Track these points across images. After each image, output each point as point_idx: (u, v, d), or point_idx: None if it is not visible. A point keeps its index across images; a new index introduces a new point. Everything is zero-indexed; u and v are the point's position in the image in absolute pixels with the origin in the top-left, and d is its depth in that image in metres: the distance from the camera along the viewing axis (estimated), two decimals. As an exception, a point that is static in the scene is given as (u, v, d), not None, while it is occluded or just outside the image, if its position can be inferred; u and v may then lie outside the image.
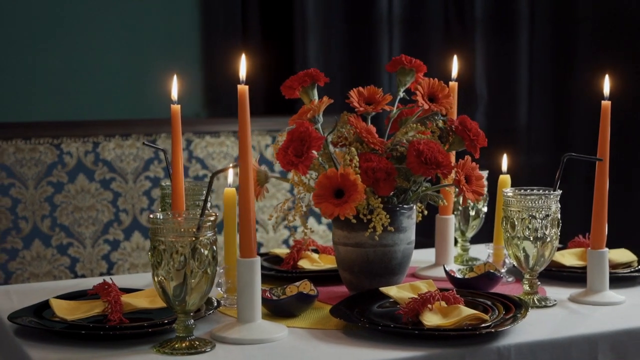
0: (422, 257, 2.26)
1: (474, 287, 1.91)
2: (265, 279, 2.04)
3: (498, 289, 1.95)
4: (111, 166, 2.91)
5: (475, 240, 2.35)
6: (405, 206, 1.87)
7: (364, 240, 1.83)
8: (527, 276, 1.86)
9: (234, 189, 1.85)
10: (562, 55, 3.94)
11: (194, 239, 1.53)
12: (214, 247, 1.56)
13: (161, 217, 1.55)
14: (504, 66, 3.99)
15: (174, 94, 1.85)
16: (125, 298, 1.73)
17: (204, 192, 2.00)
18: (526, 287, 1.86)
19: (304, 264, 2.11)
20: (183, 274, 1.53)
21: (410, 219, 1.87)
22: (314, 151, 1.75)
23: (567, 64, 3.93)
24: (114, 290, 1.71)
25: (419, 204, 1.94)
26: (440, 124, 1.91)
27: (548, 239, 1.82)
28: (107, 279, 1.77)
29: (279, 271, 2.10)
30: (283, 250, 2.20)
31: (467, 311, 1.65)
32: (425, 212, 1.99)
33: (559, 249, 2.21)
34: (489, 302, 1.78)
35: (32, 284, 2.13)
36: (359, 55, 3.76)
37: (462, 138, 1.88)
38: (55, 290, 1.91)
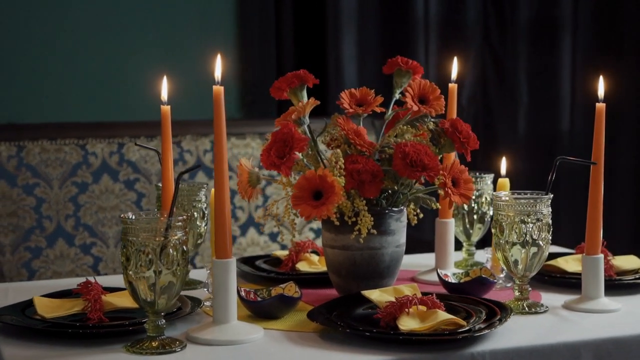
0: (425, 261, 2.23)
1: (466, 292, 1.88)
2: (264, 281, 2.04)
3: (494, 294, 1.92)
4: (135, 167, 2.94)
5: (484, 244, 2.31)
6: (394, 209, 1.85)
7: (351, 243, 1.81)
8: (517, 282, 1.82)
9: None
10: (605, 59, 3.86)
11: (162, 239, 1.53)
12: (184, 247, 1.56)
13: (132, 217, 1.55)
14: (546, 70, 3.92)
15: (164, 94, 1.86)
16: (107, 297, 1.74)
17: (199, 193, 2.01)
18: (516, 293, 1.82)
19: (302, 266, 2.10)
20: (152, 274, 1.53)
21: (399, 222, 1.85)
22: (297, 152, 1.74)
23: (609, 68, 3.86)
24: (95, 290, 1.72)
25: (412, 207, 1.92)
26: (431, 125, 1.89)
27: (538, 244, 1.78)
28: (91, 278, 1.78)
29: (278, 273, 2.09)
30: (284, 252, 2.19)
31: (444, 316, 1.62)
32: (421, 215, 1.96)
33: (566, 255, 2.17)
34: (474, 307, 1.75)
35: (34, 281, 2.17)
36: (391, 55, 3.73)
37: (452, 140, 1.85)
38: (55, 288, 1.93)
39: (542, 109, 3.95)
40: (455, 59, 2.12)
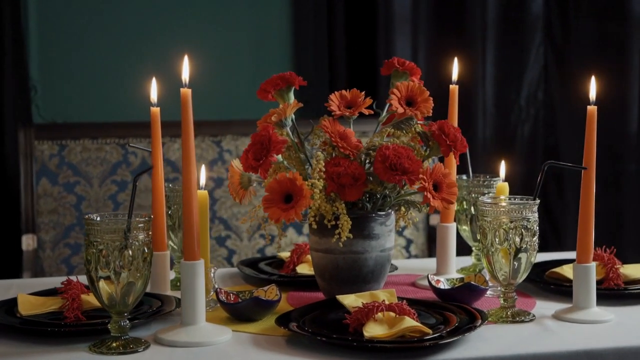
0: (431, 265, 2.19)
1: (455, 298, 1.84)
2: (266, 283, 2.04)
3: (492, 302, 1.87)
4: (174, 166, 2.97)
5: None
6: (380, 213, 1.82)
7: (333, 247, 1.79)
8: (502, 289, 1.78)
9: (205, 191, 1.85)
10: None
11: (123, 240, 1.55)
12: (146, 248, 1.58)
13: (96, 218, 1.58)
14: (613, 70, 3.80)
15: (153, 96, 1.88)
16: (87, 296, 1.77)
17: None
18: (501, 301, 1.78)
19: (302, 268, 2.10)
20: (112, 275, 1.55)
21: (384, 226, 1.83)
22: (274, 155, 1.74)
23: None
24: (74, 288, 1.75)
25: (402, 210, 1.89)
26: (419, 128, 1.85)
27: (523, 251, 1.73)
28: (74, 277, 1.82)
29: (280, 276, 2.09)
30: (288, 254, 2.19)
31: (409, 323, 1.59)
32: (416, 219, 1.93)
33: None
34: (456, 315, 1.71)
35: (41, 279, 2.22)
36: (447, 57, 3.67)
37: (438, 144, 1.82)
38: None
39: (609, 110, 3.83)
40: (455, 60, 2.07)
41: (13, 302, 1.79)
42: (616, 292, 1.91)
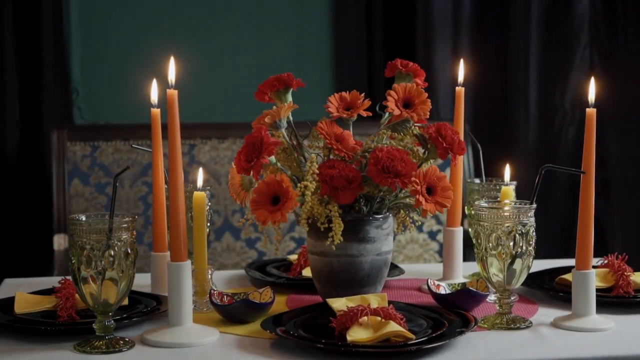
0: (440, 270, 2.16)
1: (454, 304, 1.81)
2: (272, 286, 2.02)
3: (494, 308, 1.83)
4: (205, 168, 2.99)
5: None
6: (377, 216, 1.80)
7: (328, 250, 1.78)
8: (498, 295, 1.74)
9: (203, 192, 1.86)
10: None
11: (106, 240, 1.56)
12: (129, 249, 1.58)
13: (82, 218, 1.59)
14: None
15: (154, 97, 1.89)
16: (81, 296, 1.78)
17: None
18: (497, 307, 1.74)
19: (308, 272, 2.08)
20: (96, 275, 1.56)
21: (381, 230, 1.80)
22: (266, 156, 1.73)
23: None
24: (68, 288, 1.77)
25: (401, 214, 1.86)
26: (417, 130, 1.83)
27: (518, 256, 1.69)
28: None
29: (288, 279, 2.08)
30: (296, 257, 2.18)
31: (393, 327, 1.57)
32: (418, 223, 1.91)
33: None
34: (449, 319, 1.69)
35: (51, 277, 2.24)
36: (489, 59, 3.63)
37: (435, 146, 1.79)
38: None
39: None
40: (461, 61, 2.04)
41: (11, 300, 1.81)
42: (619, 300, 1.85)
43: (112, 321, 1.61)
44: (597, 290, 1.91)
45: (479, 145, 2.13)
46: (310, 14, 3.67)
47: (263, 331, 1.65)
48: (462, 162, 3.16)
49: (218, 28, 3.59)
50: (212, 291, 1.78)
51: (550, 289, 1.92)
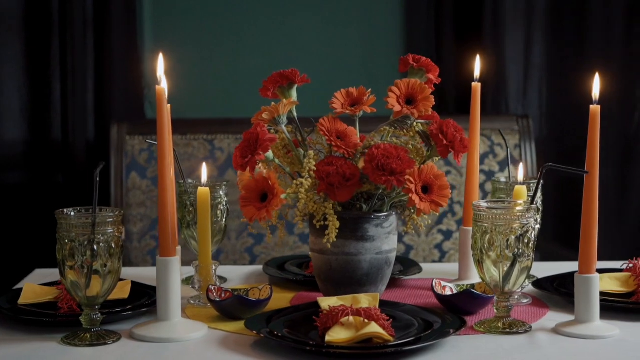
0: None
1: (456, 305, 1.76)
2: (290, 283, 2.02)
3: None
4: None
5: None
6: (378, 214, 1.77)
7: (326, 247, 1.76)
8: (496, 298, 1.68)
9: (207, 188, 1.86)
10: None
11: (89, 234, 1.58)
12: (113, 244, 1.60)
13: (70, 212, 1.61)
14: None
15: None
16: (85, 288, 1.81)
17: (220, 190, 2.02)
18: (495, 310, 1.69)
19: (326, 268, 2.06)
20: (80, 268, 1.58)
21: (381, 228, 1.77)
22: (262, 153, 1.72)
23: None
24: (70, 280, 1.80)
25: (407, 212, 1.83)
26: (420, 127, 1.79)
27: (518, 258, 1.63)
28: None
29: (305, 276, 2.06)
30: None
31: (372, 329, 1.54)
32: (428, 221, 1.86)
33: (612, 271, 1.96)
34: (438, 322, 1.65)
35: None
36: (567, 56, 3.52)
37: (435, 143, 1.75)
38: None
39: None
40: (477, 57, 1.98)
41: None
42: (622, 306, 1.77)
43: (99, 314, 1.63)
44: (616, 295, 1.84)
45: (507, 143, 2.07)
46: (380, 11, 3.65)
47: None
48: (526, 155, 3.11)
49: (286, 23, 3.60)
50: (211, 287, 1.78)
51: (567, 294, 1.85)
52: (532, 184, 2.00)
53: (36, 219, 3.32)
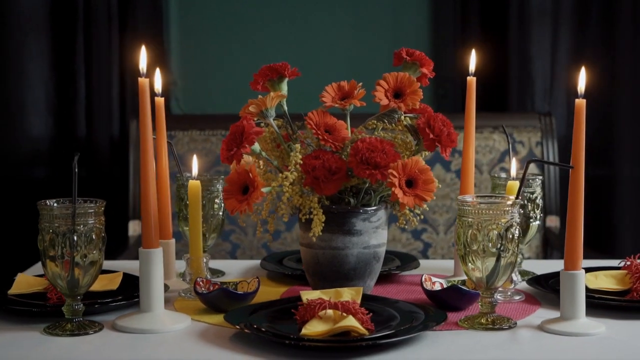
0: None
1: (444, 301, 1.75)
2: (287, 278, 2.01)
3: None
4: None
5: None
6: (367, 208, 1.76)
7: (313, 242, 1.75)
8: (481, 294, 1.66)
9: (198, 181, 1.86)
10: None
11: (70, 226, 1.59)
12: (93, 235, 1.61)
13: (52, 203, 1.63)
14: None
15: (158, 86, 1.91)
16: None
17: (217, 184, 2.03)
18: (480, 306, 1.66)
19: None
20: (61, 259, 1.60)
21: (369, 222, 1.76)
22: (247, 146, 1.72)
23: None
24: (60, 270, 1.81)
25: (396, 207, 1.81)
26: (408, 121, 1.77)
27: (503, 253, 1.61)
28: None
29: (302, 270, 2.06)
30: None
31: (348, 322, 1.53)
32: (421, 216, 1.85)
33: (610, 269, 1.93)
34: (421, 317, 1.63)
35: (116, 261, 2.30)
36: (590, 47, 3.46)
37: (422, 137, 1.73)
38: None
39: None
40: (473, 51, 1.96)
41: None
42: (614, 304, 1.74)
43: (81, 304, 1.64)
44: (611, 293, 1.81)
45: (509, 139, 2.04)
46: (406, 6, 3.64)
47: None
48: (547, 153, 3.06)
49: (311, 19, 3.61)
50: (199, 279, 1.78)
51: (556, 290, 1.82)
52: (535, 179, 1.98)
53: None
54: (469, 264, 1.63)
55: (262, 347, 1.53)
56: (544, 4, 3.42)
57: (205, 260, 1.86)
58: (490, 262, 1.61)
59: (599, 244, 3.37)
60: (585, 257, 2.35)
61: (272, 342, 1.54)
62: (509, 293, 1.84)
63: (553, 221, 3.11)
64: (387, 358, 1.49)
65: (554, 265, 2.10)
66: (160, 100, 1.93)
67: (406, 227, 1.85)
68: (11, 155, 3.39)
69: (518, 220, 1.63)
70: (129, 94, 3.44)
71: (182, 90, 3.63)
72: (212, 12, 3.63)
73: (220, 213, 2.03)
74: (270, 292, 1.88)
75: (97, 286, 1.83)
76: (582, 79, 1.62)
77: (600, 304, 1.73)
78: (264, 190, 1.70)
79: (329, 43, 3.62)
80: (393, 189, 1.67)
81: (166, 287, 1.86)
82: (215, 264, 2.15)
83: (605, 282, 1.85)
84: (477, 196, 1.67)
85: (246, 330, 1.55)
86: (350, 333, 1.53)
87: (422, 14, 3.66)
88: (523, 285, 1.91)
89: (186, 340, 1.58)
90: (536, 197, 2.00)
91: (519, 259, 2.02)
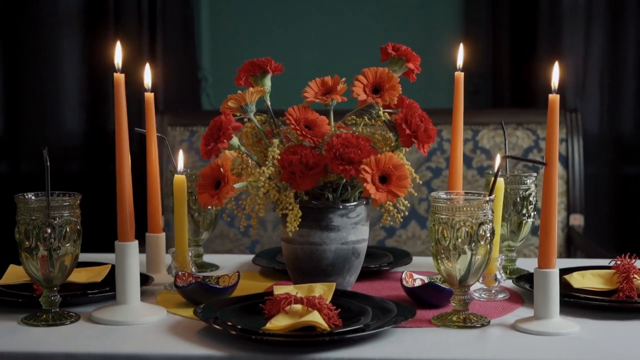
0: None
1: (421, 297, 1.74)
2: (279, 274, 2.02)
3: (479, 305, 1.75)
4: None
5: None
6: (346, 204, 1.76)
7: (292, 237, 1.76)
8: (455, 291, 1.65)
9: (183, 176, 1.88)
10: None
11: (45, 218, 1.62)
12: (67, 228, 1.63)
13: (30, 196, 1.66)
14: None
15: (147, 82, 1.94)
16: (62, 271, 1.85)
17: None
18: (453, 303, 1.65)
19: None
20: (35, 251, 1.63)
21: (347, 218, 1.76)
22: (225, 141, 1.73)
23: None
24: (46, 263, 1.85)
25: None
26: (386, 116, 1.76)
27: (474, 251, 1.60)
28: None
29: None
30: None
31: (311, 317, 1.53)
32: (406, 213, 1.83)
33: (599, 268, 1.90)
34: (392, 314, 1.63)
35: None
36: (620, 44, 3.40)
37: (399, 133, 1.72)
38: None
39: None
40: (461, 45, 1.94)
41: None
42: (581, 303, 1.70)
43: (58, 296, 1.67)
44: (599, 293, 1.78)
45: (505, 135, 2.02)
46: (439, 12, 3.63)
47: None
48: (572, 150, 3.01)
49: (342, 17, 3.61)
50: (179, 273, 1.80)
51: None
52: (529, 176, 1.96)
53: (91, 208, 3.42)
54: (440, 261, 1.62)
55: (227, 341, 1.54)
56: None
57: (190, 254, 1.87)
58: (462, 259, 1.60)
59: (629, 243, 3.31)
60: (605, 256, 2.31)
61: (235, 336, 1.54)
62: (493, 291, 1.82)
63: (577, 220, 3.05)
64: (348, 353, 1.49)
65: (560, 264, 2.06)
66: (149, 96, 1.95)
67: (391, 223, 1.84)
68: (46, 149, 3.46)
69: (491, 217, 1.61)
70: (160, 89, 3.49)
71: (212, 86, 3.66)
72: (243, 7, 3.65)
73: (213, 208, 2.05)
74: (258, 286, 1.89)
75: (83, 278, 1.87)
76: (555, 74, 1.60)
77: (577, 303, 1.70)
78: (238, 185, 1.71)
79: (359, 41, 3.62)
80: (365, 184, 1.66)
81: (151, 280, 1.89)
82: (211, 258, 2.17)
83: (591, 281, 1.81)
84: (449, 192, 1.66)
85: (214, 325, 1.56)
86: (317, 328, 1.53)
87: (453, 8, 3.63)
88: (509, 283, 1.88)
89: (154, 333, 1.60)
90: (530, 195, 1.97)
91: (513, 256, 2.01)
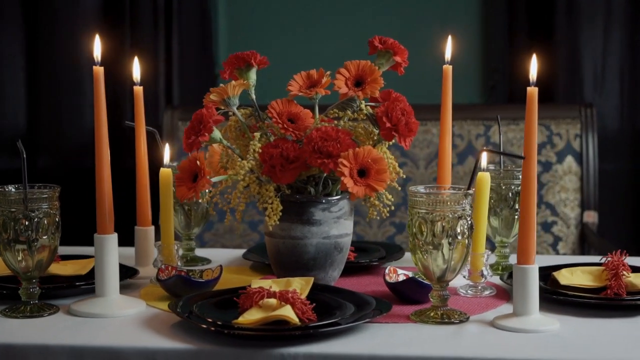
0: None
1: (403, 293, 1.72)
2: (268, 268, 2.00)
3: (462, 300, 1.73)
4: None
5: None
6: (329, 198, 1.74)
7: (274, 231, 1.75)
8: (433, 286, 1.63)
9: (169, 169, 1.88)
10: None
11: (22, 210, 1.62)
12: (45, 220, 1.64)
13: (10, 189, 1.66)
14: None
15: (136, 75, 1.94)
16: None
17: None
18: (432, 299, 1.63)
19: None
20: (13, 243, 1.63)
21: (329, 212, 1.74)
22: (206, 134, 1.72)
23: None
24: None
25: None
26: (368, 110, 1.74)
27: (452, 246, 1.57)
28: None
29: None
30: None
31: (281, 312, 1.52)
32: (392, 207, 1.82)
33: (590, 265, 1.86)
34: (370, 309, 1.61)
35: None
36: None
37: (380, 126, 1.70)
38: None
39: None
40: (449, 38, 1.91)
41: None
42: (597, 302, 1.67)
43: (37, 287, 1.67)
44: (587, 290, 1.74)
45: (500, 130, 1.99)
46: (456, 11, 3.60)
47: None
48: (587, 146, 2.96)
49: (359, 16, 3.59)
50: (162, 266, 1.79)
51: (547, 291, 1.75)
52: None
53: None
54: (418, 256, 1.60)
55: (200, 335, 1.53)
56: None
57: (176, 247, 1.87)
58: (439, 254, 1.58)
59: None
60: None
61: (205, 330, 1.53)
62: (480, 287, 1.79)
63: (591, 217, 3.01)
64: (318, 348, 1.47)
65: (547, 260, 2.03)
66: (138, 89, 1.95)
67: (377, 217, 1.82)
68: (63, 146, 3.50)
69: (470, 212, 1.59)
70: (175, 86, 3.50)
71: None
72: (259, 6, 3.65)
73: (205, 202, 2.04)
74: (244, 281, 1.87)
75: (69, 270, 1.87)
76: (533, 67, 1.56)
77: (559, 300, 1.67)
78: (216, 179, 1.70)
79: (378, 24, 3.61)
80: (343, 178, 1.64)
81: (136, 272, 1.88)
82: (203, 252, 2.16)
83: (580, 278, 1.78)
84: (428, 187, 1.63)
85: (187, 319, 1.55)
86: (290, 323, 1.52)
87: (471, 5, 3.60)
88: (498, 280, 1.85)
89: (129, 326, 1.60)
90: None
91: (505, 252, 1.98)
